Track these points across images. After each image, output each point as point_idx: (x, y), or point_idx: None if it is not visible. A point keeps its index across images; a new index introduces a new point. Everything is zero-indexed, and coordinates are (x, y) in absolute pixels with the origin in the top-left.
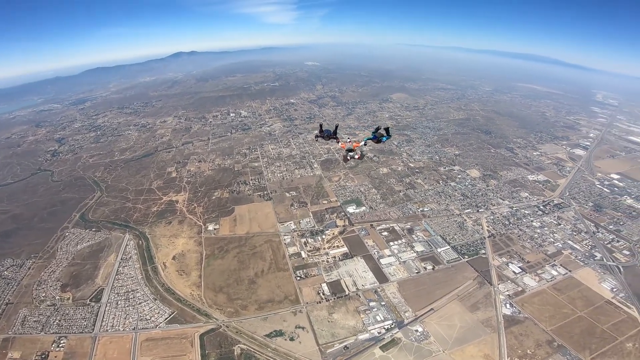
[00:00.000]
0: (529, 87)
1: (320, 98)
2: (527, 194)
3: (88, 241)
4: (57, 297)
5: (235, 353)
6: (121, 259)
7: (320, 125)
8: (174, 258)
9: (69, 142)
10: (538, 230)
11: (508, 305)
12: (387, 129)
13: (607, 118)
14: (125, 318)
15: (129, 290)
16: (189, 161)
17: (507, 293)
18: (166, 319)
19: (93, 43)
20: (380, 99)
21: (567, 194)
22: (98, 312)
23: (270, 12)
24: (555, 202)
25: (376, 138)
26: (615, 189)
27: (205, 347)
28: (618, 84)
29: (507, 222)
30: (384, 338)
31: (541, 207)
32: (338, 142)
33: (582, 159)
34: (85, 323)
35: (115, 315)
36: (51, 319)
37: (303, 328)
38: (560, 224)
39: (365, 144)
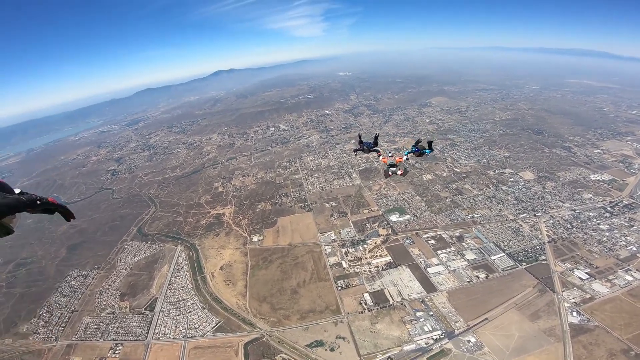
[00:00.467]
0: (581, 82)
1: (355, 107)
2: (590, 195)
3: (144, 253)
4: (116, 306)
5: None
6: (173, 270)
7: (359, 137)
8: (221, 268)
9: (126, 162)
10: (607, 234)
11: (575, 314)
12: (430, 143)
13: None
14: (175, 326)
15: (180, 299)
16: (233, 176)
17: (573, 300)
18: (213, 327)
19: (142, 65)
20: (418, 104)
21: (638, 193)
22: (152, 320)
23: (299, 26)
24: (624, 202)
25: (418, 151)
26: None
27: (249, 356)
28: None
29: (569, 226)
30: (432, 349)
31: (608, 208)
32: (379, 156)
33: None
34: (139, 331)
35: (167, 323)
36: (110, 326)
37: (344, 338)
38: (633, 226)
39: (407, 159)
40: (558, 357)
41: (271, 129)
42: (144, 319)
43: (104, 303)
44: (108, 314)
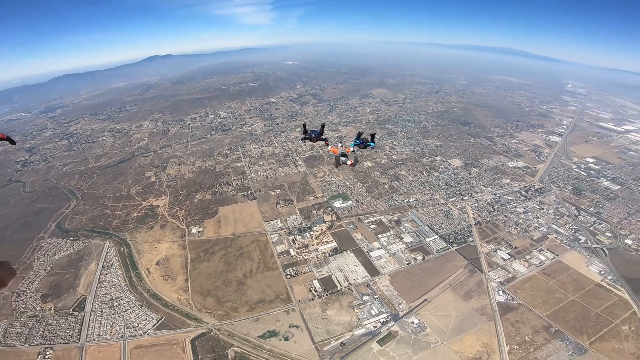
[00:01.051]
0: (503, 79)
1: (301, 96)
2: (508, 180)
3: (66, 250)
4: (38, 308)
5: (230, 356)
6: (102, 267)
7: (304, 125)
8: (157, 263)
9: (40, 152)
10: (522, 216)
11: (501, 293)
12: (372, 135)
13: (578, 106)
14: (111, 326)
15: (114, 297)
16: (168, 165)
17: (498, 280)
18: (154, 325)
19: (62, 49)
20: (360, 94)
21: (547, 178)
22: (82, 321)
23: (248, 13)
24: (536, 187)
25: (362, 143)
26: (592, 172)
27: (198, 352)
28: (585, 74)
29: (491, 209)
30: (380, 332)
31: (523, 192)
32: (327, 145)
33: (558, 145)
34: (70, 333)
35: (101, 323)
36: (34, 330)
37: (297, 327)
38: (543, 209)
39: (353, 150)
40: (491, 335)
41: (211, 116)
42: (74, 320)
43: (23, 306)
44: (29, 317)
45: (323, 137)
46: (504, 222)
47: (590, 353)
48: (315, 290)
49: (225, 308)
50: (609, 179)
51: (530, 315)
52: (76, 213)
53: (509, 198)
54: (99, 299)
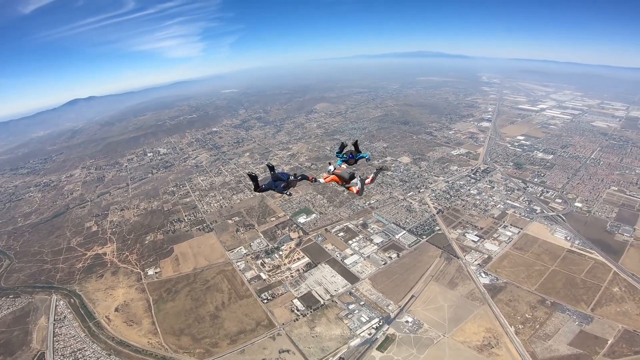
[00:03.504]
0: (428, 79)
1: (245, 121)
2: (456, 167)
3: (8, 308)
4: None
5: None
6: (55, 320)
7: (253, 178)
8: (117, 310)
9: None
10: (478, 197)
11: (483, 275)
12: (355, 144)
13: (496, 94)
14: None
15: (76, 349)
16: (109, 212)
17: (476, 263)
18: None
19: None
20: (305, 111)
21: (489, 159)
22: None
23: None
24: (482, 168)
25: (352, 157)
26: (525, 147)
27: None
28: (495, 66)
29: (448, 196)
30: (376, 338)
31: (472, 175)
32: (314, 180)
33: (490, 129)
34: None
35: None
36: None
37: (288, 351)
38: (494, 187)
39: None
40: (491, 318)
41: (149, 154)
42: None
43: None
44: None
45: (297, 179)
46: (463, 206)
47: (597, 320)
48: (298, 310)
49: (204, 345)
50: (541, 151)
51: (521, 292)
52: (11, 272)
53: (461, 183)
54: (59, 353)
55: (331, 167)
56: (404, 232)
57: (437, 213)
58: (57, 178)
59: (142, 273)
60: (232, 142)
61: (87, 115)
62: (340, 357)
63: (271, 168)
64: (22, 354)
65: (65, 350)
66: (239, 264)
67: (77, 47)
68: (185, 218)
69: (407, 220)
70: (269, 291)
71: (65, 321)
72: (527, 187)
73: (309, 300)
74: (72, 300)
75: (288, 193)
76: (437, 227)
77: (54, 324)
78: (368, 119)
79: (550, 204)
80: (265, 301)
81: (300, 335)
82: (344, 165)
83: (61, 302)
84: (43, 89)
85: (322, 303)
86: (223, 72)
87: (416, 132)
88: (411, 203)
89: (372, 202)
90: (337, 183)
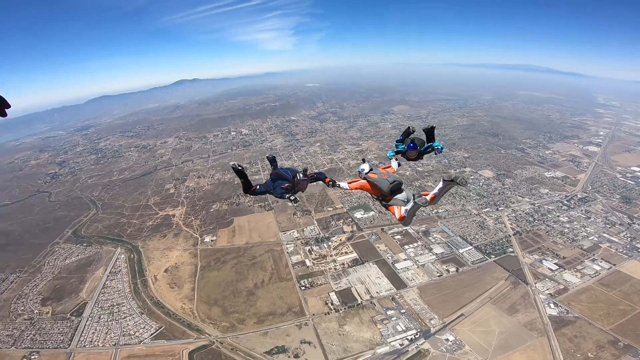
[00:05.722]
0: (530, 94)
1: (321, 114)
2: (547, 190)
3: (77, 255)
4: (36, 311)
5: None
6: (110, 273)
7: (240, 174)
8: (166, 271)
9: (69, 165)
10: (567, 225)
11: (552, 305)
12: (430, 130)
13: (613, 117)
14: (106, 333)
15: (114, 304)
16: (188, 177)
17: (547, 292)
18: (152, 334)
19: (98, 73)
20: (381, 111)
21: (590, 187)
22: (77, 326)
23: (269, 39)
24: (579, 196)
25: (415, 147)
26: (639, 179)
27: None
28: (615, 88)
29: (531, 219)
30: (407, 350)
31: (565, 202)
32: (332, 184)
33: (598, 155)
34: (62, 338)
35: (95, 330)
36: (25, 333)
37: (309, 343)
38: (590, 218)
39: (399, 164)
40: (545, 352)
41: (232, 133)
42: (68, 325)
43: (22, 308)
44: (25, 319)
45: (305, 176)
46: (547, 232)
47: None
48: (332, 303)
49: (231, 319)
50: None
51: (591, 330)
52: (93, 221)
53: (550, 207)
54: (100, 305)
55: (364, 167)
56: (470, 247)
57: (514, 234)
58: (154, 143)
59: (199, 239)
60: (306, 131)
61: (189, 94)
62: None
63: (272, 161)
64: (68, 301)
65: (105, 303)
66: (288, 246)
67: (188, 33)
68: None
69: (477, 237)
70: (309, 279)
71: (119, 275)
72: (634, 223)
73: (346, 296)
74: (132, 255)
75: (292, 199)
76: (511, 249)
77: (108, 276)
78: (451, 126)
79: None
80: (303, 288)
81: (327, 330)
82: (394, 163)
83: (122, 256)
84: (158, 69)
85: (359, 302)
86: (309, 67)
87: (505, 146)
88: (485, 219)
89: (440, 211)
90: (370, 193)
